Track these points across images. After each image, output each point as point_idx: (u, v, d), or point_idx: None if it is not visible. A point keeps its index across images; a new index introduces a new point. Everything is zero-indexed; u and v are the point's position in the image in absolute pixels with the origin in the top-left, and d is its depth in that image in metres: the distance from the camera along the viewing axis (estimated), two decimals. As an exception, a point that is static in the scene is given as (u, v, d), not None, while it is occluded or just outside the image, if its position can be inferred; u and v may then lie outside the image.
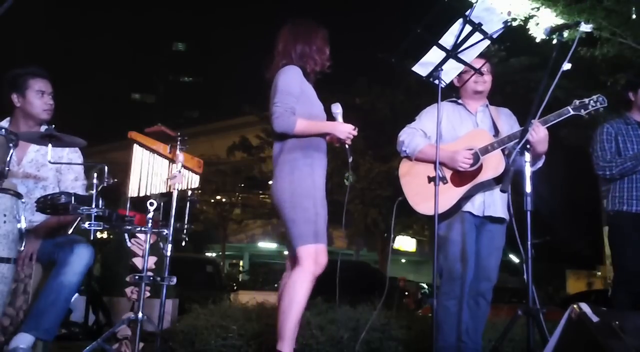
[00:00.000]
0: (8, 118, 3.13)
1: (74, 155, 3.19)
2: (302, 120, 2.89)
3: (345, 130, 2.95)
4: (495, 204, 3.28)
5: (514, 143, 3.13)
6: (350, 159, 2.99)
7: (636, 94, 3.70)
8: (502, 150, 3.24)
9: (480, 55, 3.20)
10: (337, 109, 3.01)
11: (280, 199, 2.90)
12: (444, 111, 3.41)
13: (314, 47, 3.02)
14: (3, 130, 2.64)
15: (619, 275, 3.63)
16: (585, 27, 2.97)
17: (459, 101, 3.48)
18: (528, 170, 2.80)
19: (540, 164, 3.26)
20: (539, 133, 2.99)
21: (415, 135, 3.39)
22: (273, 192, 2.95)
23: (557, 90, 2.73)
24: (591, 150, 3.78)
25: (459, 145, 3.28)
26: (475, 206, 3.26)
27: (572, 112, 3.15)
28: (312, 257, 2.81)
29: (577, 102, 3.18)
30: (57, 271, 2.84)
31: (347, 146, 3.01)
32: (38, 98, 3.08)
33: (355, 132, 2.97)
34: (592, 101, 3.16)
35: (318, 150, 2.99)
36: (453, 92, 3.44)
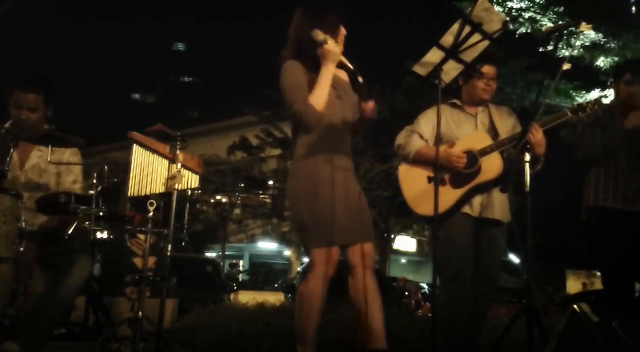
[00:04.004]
0: (11, 120, 3.13)
1: (74, 158, 3.18)
2: (310, 96, 2.73)
3: (331, 50, 2.74)
4: (493, 206, 3.27)
5: (512, 144, 3.13)
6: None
7: (618, 86, 3.64)
8: (501, 152, 3.24)
9: (492, 61, 3.22)
10: (318, 36, 2.74)
11: (290, 207, 2.94)
12: (442, 114, 3.38)
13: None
14: (3, 129, 2.65)
15: (606, 276, 3.45)
16: (585, 27, 2.97)
17: (458, 103, 3.46)
18: (528, 170, 2.80)
19: (539, 167, 3.25)
20: (536, 135, 3.00)
21: (412, 138, 3.38)
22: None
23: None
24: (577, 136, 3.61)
25: (458, 148, 3.27)
26: (472, 207, 3.25)
27: (570, 115, 3.16)
28: (322, 260, 2.75)
29: (575, 105, 3.20)
30: (54, 283, 2.82)
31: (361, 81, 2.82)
32: (15, 110, 3.00)
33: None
34: (590, 104, 3.17)
35: (330, 161, 2.82)
36: (456, 92, 3.43)
